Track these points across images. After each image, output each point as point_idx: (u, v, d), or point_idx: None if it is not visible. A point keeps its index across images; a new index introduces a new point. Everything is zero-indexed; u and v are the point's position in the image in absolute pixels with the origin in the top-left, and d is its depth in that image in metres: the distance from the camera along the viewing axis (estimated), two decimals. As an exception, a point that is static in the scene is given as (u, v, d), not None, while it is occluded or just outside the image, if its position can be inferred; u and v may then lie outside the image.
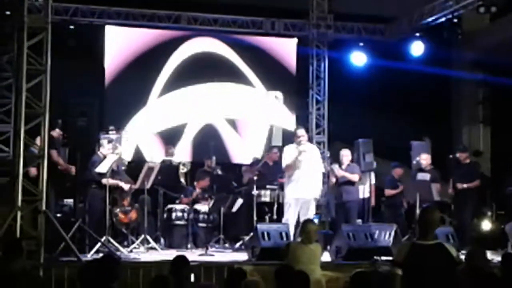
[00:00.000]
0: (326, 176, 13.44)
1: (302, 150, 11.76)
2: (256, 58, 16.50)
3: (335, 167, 13.14)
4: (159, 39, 15.98)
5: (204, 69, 16.15)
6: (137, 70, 15.80)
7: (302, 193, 11.80)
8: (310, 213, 11.72)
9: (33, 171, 10.65)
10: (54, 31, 10.62)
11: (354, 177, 13.20)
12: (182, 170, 14.01)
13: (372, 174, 13.60)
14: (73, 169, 11.74)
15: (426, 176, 13.48)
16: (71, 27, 14.94)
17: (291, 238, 10.98)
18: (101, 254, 10.69)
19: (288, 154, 11.96)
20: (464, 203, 13.40)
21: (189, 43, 16.15)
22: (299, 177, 11.84)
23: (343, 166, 13.32)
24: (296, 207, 11.75)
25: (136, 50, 15.82)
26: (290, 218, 11.66)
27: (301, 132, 12.16)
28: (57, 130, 11.51)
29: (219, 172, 14.17)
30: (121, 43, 15.80)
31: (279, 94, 16.45)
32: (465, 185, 13.23)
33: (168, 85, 16.00)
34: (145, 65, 15.86)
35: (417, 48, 15.80)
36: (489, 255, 12.25)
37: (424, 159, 13.70)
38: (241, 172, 14.36)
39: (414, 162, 14.02)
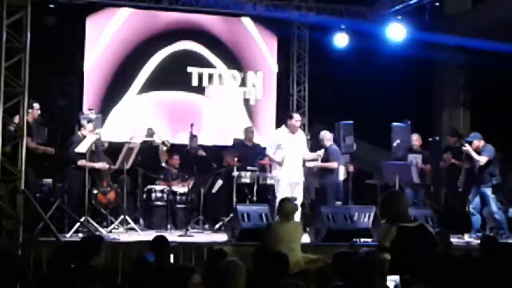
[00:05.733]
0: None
1: (281, 164, 11.76)
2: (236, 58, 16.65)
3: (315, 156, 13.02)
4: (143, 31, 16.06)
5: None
6: (117, 55, 15.79)
7: (289, 176, 11.78)
8: (297, 194, 11.68)
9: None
10: (34, 9, 10.51)
11: (332, 165, 13.14)
12: (163, 149, 13.95)
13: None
14: (52, 150, 11.65)
15: (418, 158, 13.52)
16: (51, 5, 14.80)
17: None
18: (80, 234, 10.69)
19: (276, 141, 11.92)
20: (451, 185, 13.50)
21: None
22: (285, 161, 11.83)
23: (321, 150, 13.14)
24: (286, 188, 11.71)
25: (117, 34, 15.83)
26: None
27: (297, 117, 12.12)
28: (31, 111, 11.35)
29: (202, 153, 14.14)
30: (102, 25, 15.77)
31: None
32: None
33: (149, 82, 16.10)
34: (126, 51, 15.88)
35: (397, 32, 15.77)
36: (467, 237, 12.43)
37: (415, 139, 13.73)
38: (221, 153, 14.31)
39: (394, 144, 14.03)
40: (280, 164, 11.72)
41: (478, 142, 12.66)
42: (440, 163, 13.82)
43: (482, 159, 12.49)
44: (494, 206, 12.47)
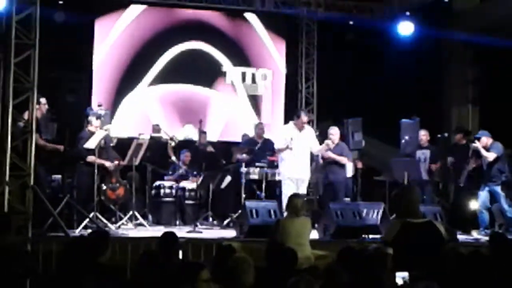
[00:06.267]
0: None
1: (290, 147, 11.78)
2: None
3: (324, 147, 13.04)
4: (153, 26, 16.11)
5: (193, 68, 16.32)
6: (126, 51, 15.84)
7: (294, 172, 11.82)
8: (302, 191, 11.71)
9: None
10: (43, 6, 10.53)
11: (342, 160, 13.09)
12: (171, 144, 13.99)
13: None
14: (60, 148, 11.66)
15: (426, 153, 13.50)
16: (60, 1, 14.84)
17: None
18: (89, 230, 10.71)
19: (284, 135, 11.98)
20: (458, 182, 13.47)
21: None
22: (291, 157, 11.86)
23: (332, 145, 13.17)
24: (293, 185, 11.74)
25: (126, 31, 15.89)
26: (288, 195, 11.60)
27: (304, 118, 12.13)
28: (38, 106, 11.33)
29: (211, 149, 14.15)
30: (111, 23, 15.84)
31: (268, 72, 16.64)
32: (473, 165, 13.17)
33: (161, 75, 16.16)
34: (136, 48, 15.94)
35: (406, 28, 15.80)
36: (475, 234, 12.43)
37: (423, 135, 13.68)
38: (230, 149, 14.32)
39: (403, 141, 14.01)
40: (289, 146, 11.74)
41: (487, 140, 12.67)
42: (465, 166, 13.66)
43: (491, 156, 12.49)
44: (505, 203, 12.49)
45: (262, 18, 16.73)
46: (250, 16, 16.73)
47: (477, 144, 12.61)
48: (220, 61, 16.45)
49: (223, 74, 16.51)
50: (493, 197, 12.56)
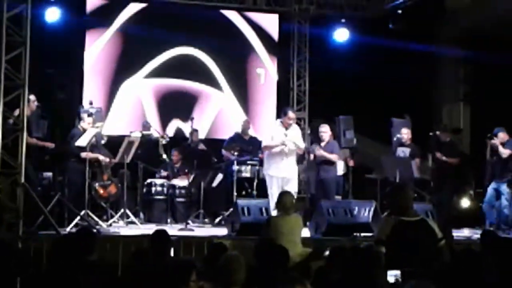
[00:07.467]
0: (306, 153, 13.41)
1: (285, 143, 11.77)
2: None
3: (316, 147, 13.02)
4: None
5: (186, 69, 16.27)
6: (118, 50, 15.80)
7: (280, 171, 11.79)
8: (290, 189, 11.68)
9: None
10: (34, 2, 10.50)
11: (334, 157, 13.07)
12: (162, 142, 13.99)
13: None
14: (51, 144, 11.62)
15: (406, 151, 13.50)
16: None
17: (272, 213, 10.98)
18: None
19: (272, 134, 11.94)
20: (443, 180, 13.47)
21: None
22: (277, 156, 11.84)
23: (323, 144, 13.16)
24: (277, 184, 11.72)
25: (119, 30, 15.86)
26: (273, 194, 11.61)
27: (292, 115, 12.09)
28: (28, 104, 11.29)
29: (203, 147, 14.12)
30: (102, 20, 15.78)
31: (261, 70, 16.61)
32: (443, 158, 13.27)
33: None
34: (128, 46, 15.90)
35: (397, 26, 15.81)
36: (467, 232, 12.46)
37: (405, 133, 13.66)
38: (222, 148, 14.30)
39: (395, 139, 14.03)
40: (283, 143, 11.67)
41: (503, 136, 12.72)
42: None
43: (506, 152, 12.56)
44: (505, 200, 12.53)
45: (252, 16, 16.66)
46: (239, 17, 16.63)
47: (495, 141, 12.66)
48: (210, 66, 16.34)
49: (214, 78, 16.43)
50: (498, 194, 12.63)
